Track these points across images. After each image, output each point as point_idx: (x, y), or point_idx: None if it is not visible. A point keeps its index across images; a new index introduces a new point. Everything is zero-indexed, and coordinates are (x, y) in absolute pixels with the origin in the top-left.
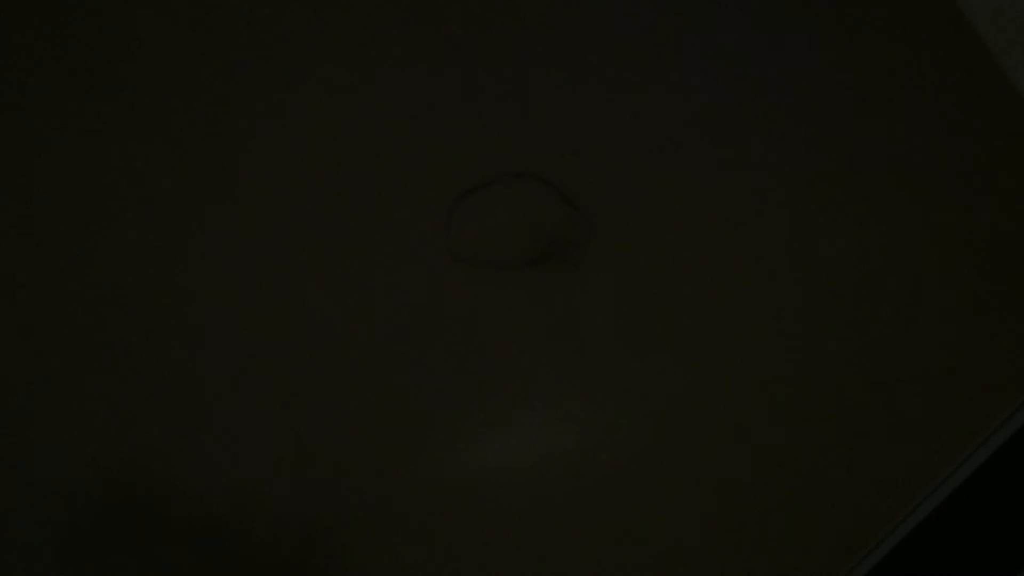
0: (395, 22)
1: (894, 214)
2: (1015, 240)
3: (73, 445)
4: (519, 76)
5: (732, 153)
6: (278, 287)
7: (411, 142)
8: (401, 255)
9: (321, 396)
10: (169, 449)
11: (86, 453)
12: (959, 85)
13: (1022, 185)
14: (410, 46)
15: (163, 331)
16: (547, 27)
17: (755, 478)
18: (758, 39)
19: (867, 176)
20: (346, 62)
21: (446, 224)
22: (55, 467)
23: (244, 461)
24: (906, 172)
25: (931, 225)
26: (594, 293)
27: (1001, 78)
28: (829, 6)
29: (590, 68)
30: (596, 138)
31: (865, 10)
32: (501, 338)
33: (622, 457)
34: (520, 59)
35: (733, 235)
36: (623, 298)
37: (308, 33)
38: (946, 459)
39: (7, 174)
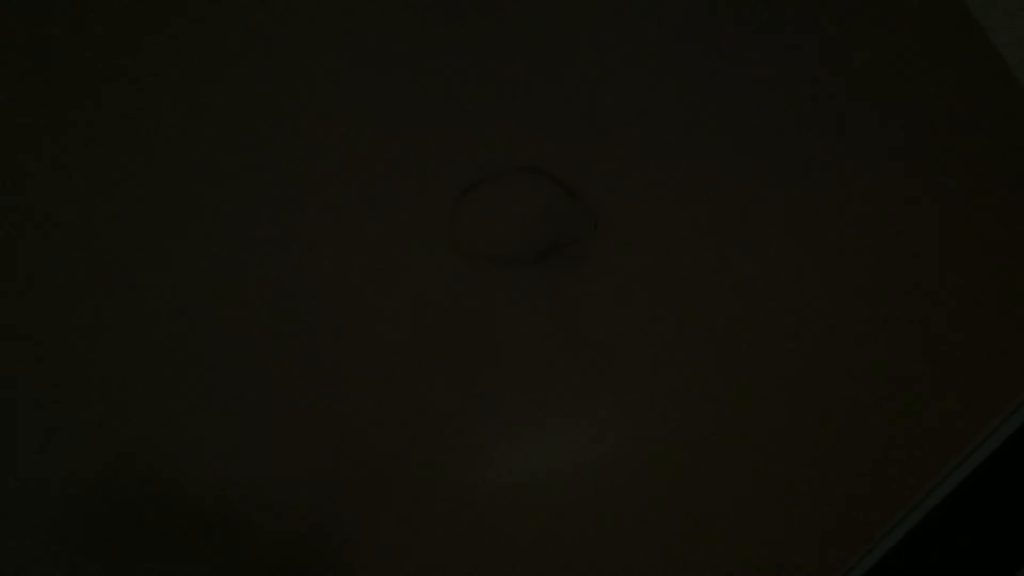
0: (399, 15)
1: (895, 211)
2: (1016, 237)
3: (74, 442)
4: (523, 71)
5: (737, 149)
6: (281, 284)
7: (415, 137)
8: (404, 250)
9: (324, 393)
10: (171, 445)
11: (87, 450)
12: (961, 79)
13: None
14: (413, 40)
15: (165, 328)
16: (553, 22)
17: (756, 475)
18: (760, 35)
19: (869, 173)
20: (349, 55)
21: (450, 219)
22: (56, 464)
23: (247, 458)
24: (907, 170)
25: (933, 221)
26: (598, 288)
27: (1004, 70)
28: (831, 6)
29: (596, 64)
30: (601, 132)
31: (868, 10)
32: (504, 334)
33: (623, 455)
34: (526, 54)
35: (737, 231)
36: (628, 293)
37: (311, 26)
38: (946, 457)
39: (6, 171)
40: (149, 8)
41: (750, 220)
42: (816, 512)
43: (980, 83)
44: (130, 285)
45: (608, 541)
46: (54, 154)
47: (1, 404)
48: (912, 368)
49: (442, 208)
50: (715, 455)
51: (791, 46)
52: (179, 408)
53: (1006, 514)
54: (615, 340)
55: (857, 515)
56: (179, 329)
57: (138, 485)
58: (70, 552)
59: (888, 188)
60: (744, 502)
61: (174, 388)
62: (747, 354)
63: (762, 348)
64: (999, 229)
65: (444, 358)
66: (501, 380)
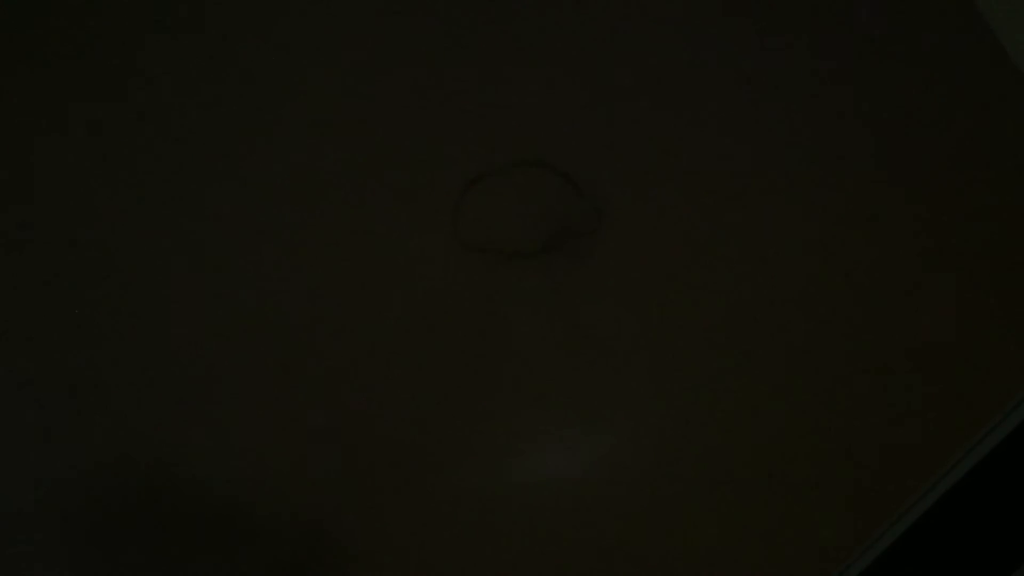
0: (401, 7)
1: (898, 207)
2: (1017, 234)
3: (74, 440)
4: (527, 64)
5: (742, 144)
6: (282, 280)
7: (418, 130)
8: (407, 244)
9: (325, 390)
10: (173, 444)
11: (88, 447)
12: (963, 74)
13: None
14: (416, 33)
15: (165, 326)
16: (559, 14)
17: (758, 472)
18: (763, 32)
19: (871, 169)
20: (351, 49)
21: (453, 213)
22: (57, 464)
23: (249, 456)
24: (908, 165)
25: (935, 217)
26: (603, 282)
27: (1007, 62)
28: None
29: (601, 58)
30: (606, 127)
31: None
32: (507, 328)
33: (627, 453)
34: (531, 47)
35: (743, 227)
36: (633, 288)
37: (313, 19)
38: (945, 454)
39: (7, 172)
40: (149, 6)
41: (756, 216)
42: (821, 510)
43: (981, 81)
44: (131, 282)
45: (611, 541)
46: (54, 152)
47: (1, 403)
48: (914, 363)
49: (446, 202)
50: (720, 453)
51: (797, 43)
52: (181, 406)
53: (1003, 514)
54: (619, 335)
55: (860, 514)
56: (180, 327)
57: (140, 484)
58: (71, 551)
59: (892, 185)
60: (747, 501)
61: (175, 386)
62: (751, 351)
63: (764, 344)
64: (1000, 227)
65: (447, 353)
66: (505, 375)
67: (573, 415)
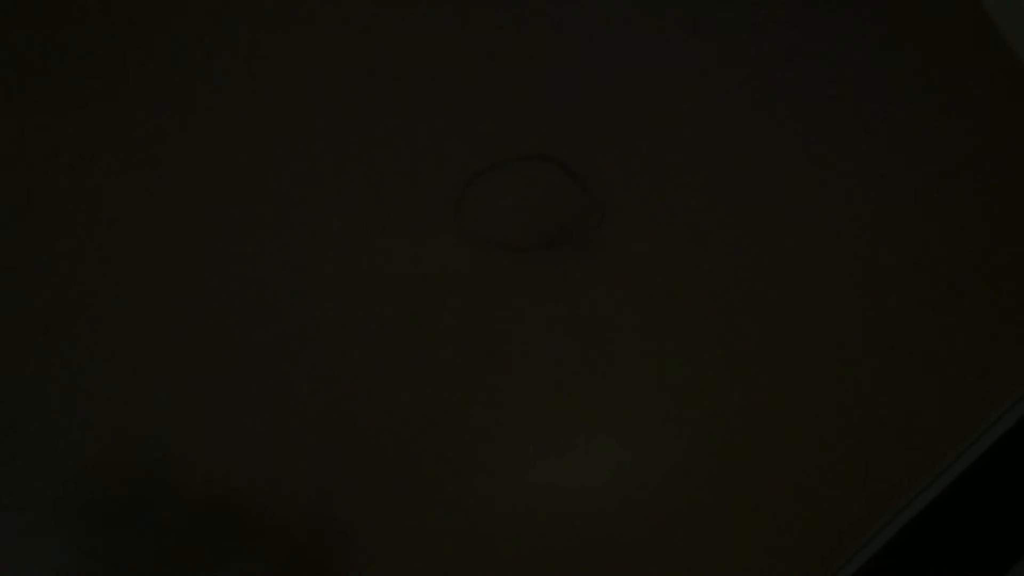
0: (407, 5)
1: (899, 205)
2: (1017, 234)
3: (79, 429)
4: (532, 59)
5: (743, 140)
6: (285, 274)
7: (421, 124)
8: (410, 237)
9: (328, 385)
10: (176, 432)
11: (92, 437)
12: (966, 70)
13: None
14: (421, 27)
15: (167, 320)
16: (562, 8)
17: (760, 468)
18: (766, 30)
19: (872, 166)
20: (355, 42)
21: (456, 207)
22: (61, 452)
23: (251, 451)
24: (909, 165)
25: (936, 217)
26: (605, 276)
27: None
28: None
29: (604, 52)
30: (609, 120)
31: (876, 9)
32: (510, 321)
33: (630, 451)
34: (534, 41)
35: (745, 221)
36: (635, 282)
37: (317, 12)
38: (944, 453)
39: (5, 170)
40: (150, 5)
41: (758, 211)
42: (816, 506)
43: (983, 78)
44: (133, 280)
45: (611, 539)
46: (53, 151)
47: (4, 397)
48: (917, 360)
49: (449, 195)
50: (724, 452)
51: (799, 42)
52: (185, 392)
53: (999, 511)
54: (621, 328)
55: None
56: (182, 322)
57: (142, 481)
58: (74, 547)
59: (893, 183)
60: (751, 498)
61: (178, 381)
62: (752, 347)
63: (766, 340)
64: (1003, 227)
65: (450, 347)
66: (508, 368)
67: (576, 410)
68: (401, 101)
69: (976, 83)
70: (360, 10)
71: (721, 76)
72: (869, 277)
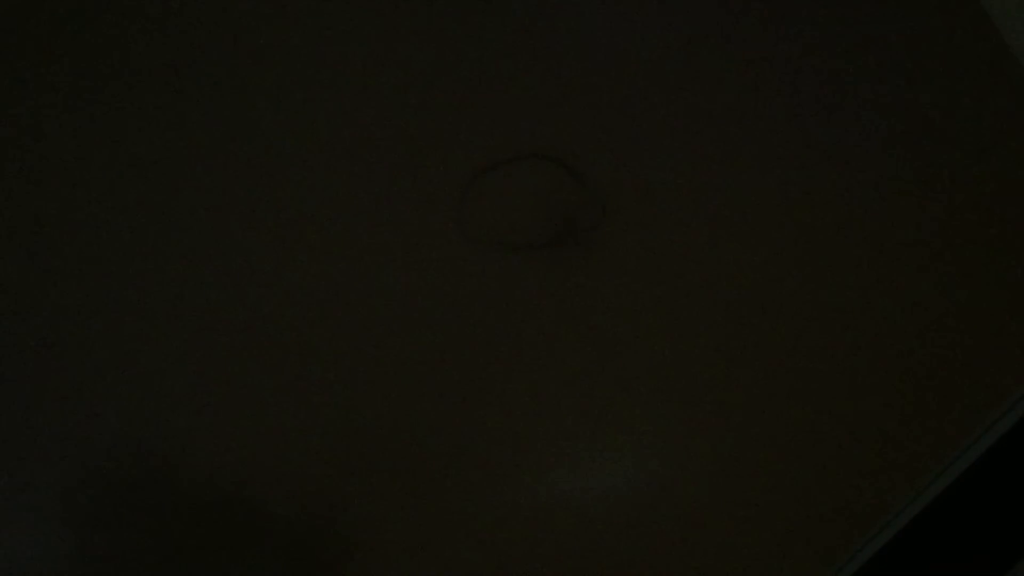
0: (410, 2)
1: (901, 206)
2: (1017, 234)
3: (82, 430)
4: (533, 58)
5: (743, 138)
6: (290, 273)
7: (424, 123)
8: (413, 236)
9: (333, 383)
10: (180, 426)
11: (95, 438)
12: (966, 73)
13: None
14: (424, 27)
15: (174, 320)
16: (564, 9)
17: (762, 466)
18: (768, 28)
19: (874, 166)
20: (359, 42)
21: (459, 205)
22: (64, 452)
23: (257, 448)
24: (910, 165)
25: (937, 216)
26: (607, 274)
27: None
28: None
29: (605, 52)
30: (610, 119)
31: (875, 5)
32: (513, 320)
33: (632, 449)
34: (536, 41)
35: (744, 218)
36: (636, 279)
37: (322, 11)
38: (945, 452)
39: (9, 170)
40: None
41: (757, 208)
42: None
43: (984, 78)
44: (134, 279)
45: (613, 537)
46: (53, 150)
47: (8, 396)
48: (917, 358)
49: (452, 194)
50: (727, 451)
51: (799, 39)
52: (189, 387)
53: (1001, 513)
54: (624, 326)
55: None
56: (186, 323)
57: (148, 477)
58: (75, 543)
59: (892, 180)
60: (751, 499)
61: (182, 382)
62: (755, 343)
63: (768, 336)
64: (1002, 225)
65: (453, 346)
66: (511, 368)
67: (580, 409)
68: (402, 102)
69: (977, 83)
70: (362, 11)
71: (722, 76)
72: (871, 277)
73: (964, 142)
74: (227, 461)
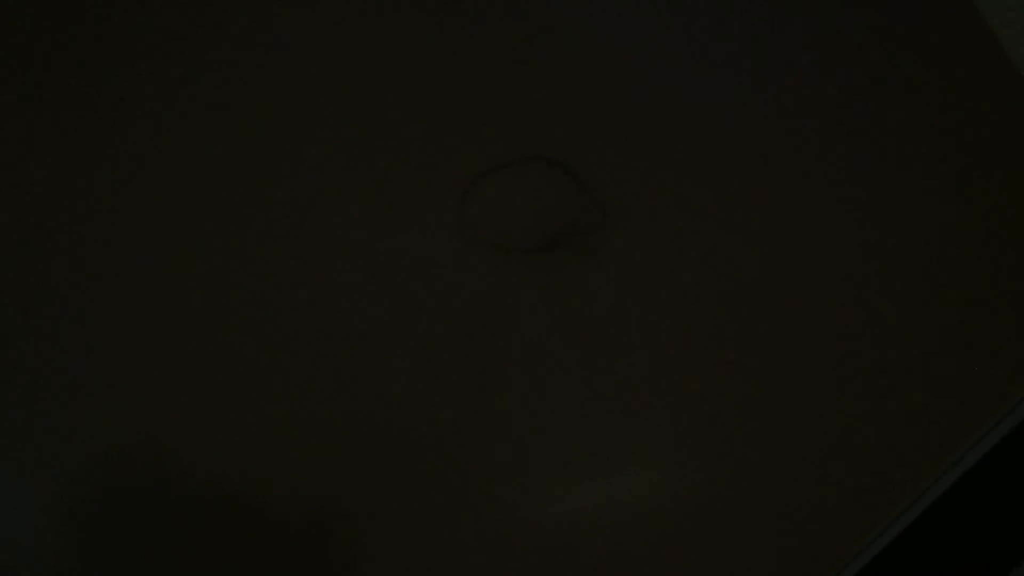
0: (408, 2)
1: (905, 208)
2: (1017, 234)
3: (80, 429)
4: (533, 60)
5: (746, 141)
6: (287, 275)
7: (423, 125)
8: (412, 240)
9: (330, 383)
10: (179, 431)
11: (93, 437)
12: (963, 73)
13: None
14: (422, 28)
15: (172, 321)
16: (565, 11)
17: (764, 465)
18: (770, 28)
19: (874, 169)
20: (356, 43)
21: (458, 209)
22: (62, 452)
23: (254, 450)
24: (911, 165)
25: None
26: (608, 278)
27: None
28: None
29: (607, 54)
30: (611, 122)
31: (876, 7)
32: (512, 324)
33: (632, 453)
34: (536, 43)
35: (748, 223)
36: (638, 284)
37: (318, 13)
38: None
39: (9, 170)
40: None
41: (761, 211)
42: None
43: (984, 77)
44: (133, 277)
45: (614, 538)
46: (52, 150)
47: (8, 396)
48: (919, 358)
49: (450, 197)
50: (730, 451)
51: (806, 44)
52: (186, 389)
53: (1002, 514)
54: (626, 331)
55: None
56: (185, 321)
57: (143, 479)
58: (73, 544)
59: (895, 184)
60: (754, 501)
61: (182, 381)
62: (761, 348)
63: (774, 341)
64: (1002, 227)
65: (453, 349)
66: (510, 372)
67: (581, 413)
68: (401, 103)
69: (979, 82)
70: (360, 10)
71: (726, 76)
72: (877, 280)
73: (966, 142)
74: (228, 463)
